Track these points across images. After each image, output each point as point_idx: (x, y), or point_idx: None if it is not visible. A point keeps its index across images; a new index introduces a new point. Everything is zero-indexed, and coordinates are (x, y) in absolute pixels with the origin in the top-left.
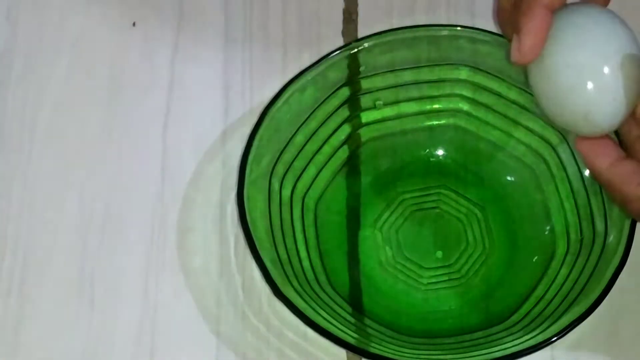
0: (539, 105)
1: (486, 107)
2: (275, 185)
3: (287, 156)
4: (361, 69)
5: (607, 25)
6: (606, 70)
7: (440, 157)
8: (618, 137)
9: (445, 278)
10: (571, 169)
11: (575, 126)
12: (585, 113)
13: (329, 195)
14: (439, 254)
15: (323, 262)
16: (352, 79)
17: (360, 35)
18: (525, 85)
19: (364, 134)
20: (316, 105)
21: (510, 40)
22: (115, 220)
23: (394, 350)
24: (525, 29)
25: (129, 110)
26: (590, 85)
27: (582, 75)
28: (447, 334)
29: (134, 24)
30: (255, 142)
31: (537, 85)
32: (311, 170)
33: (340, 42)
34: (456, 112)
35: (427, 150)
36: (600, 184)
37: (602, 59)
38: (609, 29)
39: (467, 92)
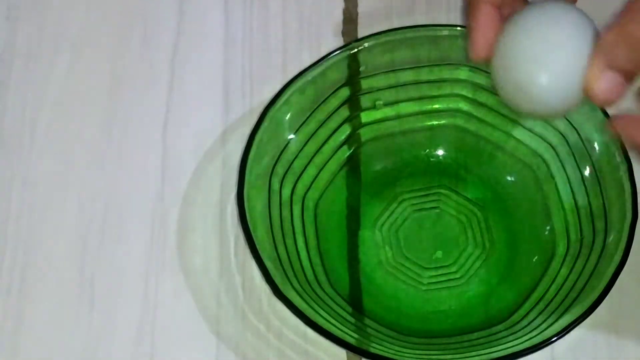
0: (499, 93)
1: (486, 107)
2: (275, 185)
3: (287, 156)
4: (361, 69)
5: (561, 11)
6: (549, 51)
7: (440, 157)
8: None
9: (445, 278)
10: (571, 169)
11: (525, 107)
12: (529, 93)
13: (329, 195)
14: (439, 254)
15: (323, 262)
16: (352, 79)
17: (360, 35)
18: None
19: (364, 134)
20: (316, 105)
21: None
22: (115, 220)
23: (394, 350)
24: (473, 27)
25: (129, 110)
26: (534, 66)
27: (526, 57)
28: (447, 334)
29: None
30: (255, 142)
31: (493, 71)
32: (311, 170)
33: (340, 42)
34: (456, 112)
35: (427, 150)
36: None
37: (552, 42)
38: (562, 14)
39: (467, 92)
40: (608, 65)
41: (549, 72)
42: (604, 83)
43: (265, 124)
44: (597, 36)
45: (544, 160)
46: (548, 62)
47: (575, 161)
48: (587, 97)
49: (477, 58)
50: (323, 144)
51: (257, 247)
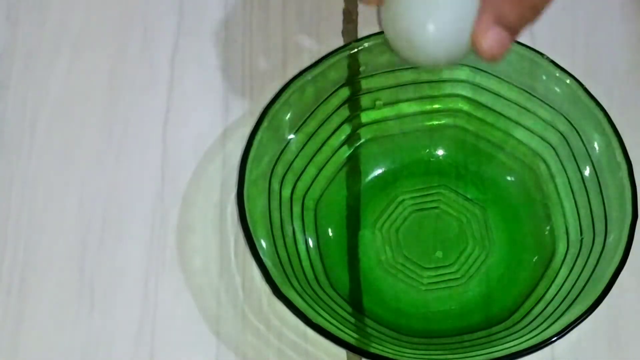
0: (387, 41)
1: (486, 107)
2: (275, 185)
3: (287, 156)
4: (361, 69)
5: None
6: (438, 2)
7: (440, 157)
8: None
9: (445, 278)
10: (571, 169)
11: (408, 55)
12: (410, 40)
13: (329, 195)
14: (439, 254)
15: (323, 262)
16: (352, 79)
17: (360, 35)
18: (525, 86)
19: (364, 134)
20: (316, 105)
21: None
22: (115, 220)
23: (394, 350)
24: None
25: (129, 110)
26: (419, 14)
27: (412, 4)
28: (447, 334)
29: None
30: (255, 142)
31: (383, 19)
32: (311, 170)
33: (340, 42)
34: (456, 112)
35: (427, 150)
36: None
37: None
38: None
39: (467, 92)
40: (496, 21)
41: (436, 21)
42: (491, 38)
43: (265, 124)
44: None
45: (544, 160)
46: (436, 11)
47: (575, 161)
48: (474, 50)
49: (368, 3)
50: (323, 144)
51: (257, 247)
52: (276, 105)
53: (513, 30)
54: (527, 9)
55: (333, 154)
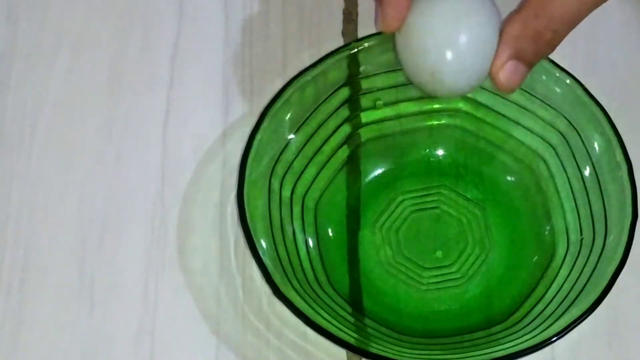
0: (402, 68)
1: (486, 107)
2: (275, 185)
3: (287, 156)
4: (361, 69)
5: None
6: (457, 32)
7: (440, 157)
8: None
9: (445, 278)
10: (571, 169)
11: (427, 87)
12: (432, 72)
13: (329, 195)
14: (439, 253)
15: (323, 262)
16: (352, 79)
17: (360, 35)
18: (524, 85)
19: (364, 134)
20: (316, 105)
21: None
22: (115, 220)
23: (394, 350)
24: (385, 0)
25: (129, 110)
26: (440, 46)
27: (434, 36)
28: (447, 334)
29: None
30: (255, 142)
31: (398, 47)
32: (311, 170)
33: (340, 42)
34: (456, 112)
35: (427, 150)
36: None
37: (453, 22)
38: None
39: None
40: (513, 56)
41: (459, 58)
42: (509, 71)
43: (265, 123)
44: (500, 19)
45: (544, 160)
46: (459, 47)
47: (575, 161)
48: (491, 81)
49: (386, 30)
50: (323, 144)
51: (257, 247)
52: (276, 105)
53: (529, 63)
54: (543, 44)
55: (333, 154)
